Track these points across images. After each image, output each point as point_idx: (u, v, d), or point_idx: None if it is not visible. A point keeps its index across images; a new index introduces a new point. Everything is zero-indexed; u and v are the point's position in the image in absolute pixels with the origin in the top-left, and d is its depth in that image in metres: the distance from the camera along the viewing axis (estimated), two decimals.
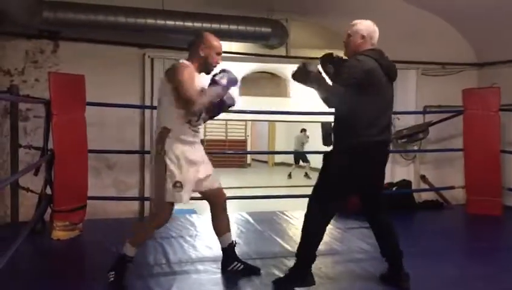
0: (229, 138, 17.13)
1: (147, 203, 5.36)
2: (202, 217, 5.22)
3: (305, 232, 3.06)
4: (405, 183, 5.98)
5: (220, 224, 3.31)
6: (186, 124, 3.00)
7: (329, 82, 2.94)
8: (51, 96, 4.22)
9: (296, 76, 2.89)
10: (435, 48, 6.22)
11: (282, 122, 16.07)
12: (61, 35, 5.07)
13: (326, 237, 4.40)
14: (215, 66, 3.11)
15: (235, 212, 5.62)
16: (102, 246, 3.99)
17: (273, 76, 14.34)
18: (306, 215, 3.06)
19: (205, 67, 3.08)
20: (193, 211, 6.11)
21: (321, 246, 4.13)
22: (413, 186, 6.13)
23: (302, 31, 6.33)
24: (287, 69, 12.70)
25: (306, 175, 12.91)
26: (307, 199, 3.12)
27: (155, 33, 5.09)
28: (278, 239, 4.31)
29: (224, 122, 16.22)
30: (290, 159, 16.46)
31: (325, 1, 5.68)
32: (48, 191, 4.33)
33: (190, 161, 3.01)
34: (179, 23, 5.01)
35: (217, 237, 3.37)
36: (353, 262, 3.66)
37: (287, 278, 3.11)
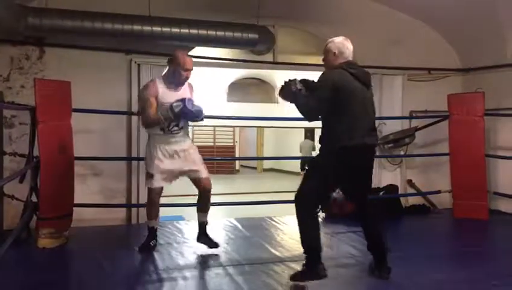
0: (217, 144, 17.13)
1: (134, 210, 5.32)
2: (190, 224, 5.19)
3: (302, 229, 3.22)
4: (392, 188, 6.01)
5: (200, 204, 4.07)
6: (160, 131, 3.80)
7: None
8: (36, 103, 4.17)
9: (282, 93, 3.29)
10: (421, 54, 6.30)
11: (270, 128, 16.12)
12: (47, 41, 5.03)
13: None
14: (184, 80, 3.81)
15: (224, 218, 5.61)
16: (89, 254, 3.95)
17: (261, 82, 14.40)
18: (297, 215, 3.23)
19: (176, 81, 3.79)
20: (181, 218, 6.08)
21: None
22: (400, 191, 6.17)
23: (290, 37, 6.37)
24: (275, 75, 12.79)
25: None
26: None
27: (142, 39, 5.08)
28: (267, 245, 4.30)
29: (212, 128, 16.21)
30: (278, 164, 16.48)
31: (312, 8, 5.72)
32: (34, 198, 4.27)
33: (166, 156, 3.82)
34: (166, 29, 5.00)
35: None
36: (342, 267, 3.66)
37: (301, 273, 3.25)
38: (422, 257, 3.96)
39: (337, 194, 5.71)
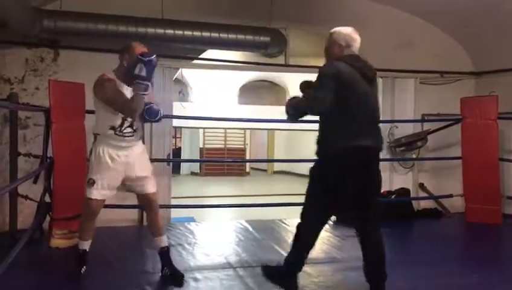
0: (228, 146, 17.13)
1: None
2: (201, 226, 5.21)
3: (295, 240, 3.06)
4: (403, 192, 5.97)
5: (152, 227, 3.44)
6: (110, 130, 3.19)
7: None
8: (50, 105, 4.22)
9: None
10: (433, 57, 6.26)
11: (281, 131, 16.11)
12: (62, 43, 5.09)
13: (325, 245, 4.43)
14: None
15: (234, 220, 5.62)
16: (101, 254, 3.98)
17: (272, 84, 14.43)
18: (298, 224, 3.05)
19: (129, 77, 3.07)
20: (192, 219, 6.11)
21: (320, 254, 4.17)
22: (412, 195, 6.12)
23: (301, 40, 6.37)
24: (286, 78, 12.78)
25: None
26: None
27: (155, 42, 5.11)
28: (277, 247, 4.30)
29: (223, 130, 16.26)
30: (289, 167, 16.48)
31: (323, 10, 5.71)
32: (47, 199, 4.32)
33: (113, 163, 3.21)
34: (179, 32, 5.04)
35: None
36: (352, 271, 3.64)
37: (275, 272, 3.12)
38: (433, 262, 3.92)
39: None
